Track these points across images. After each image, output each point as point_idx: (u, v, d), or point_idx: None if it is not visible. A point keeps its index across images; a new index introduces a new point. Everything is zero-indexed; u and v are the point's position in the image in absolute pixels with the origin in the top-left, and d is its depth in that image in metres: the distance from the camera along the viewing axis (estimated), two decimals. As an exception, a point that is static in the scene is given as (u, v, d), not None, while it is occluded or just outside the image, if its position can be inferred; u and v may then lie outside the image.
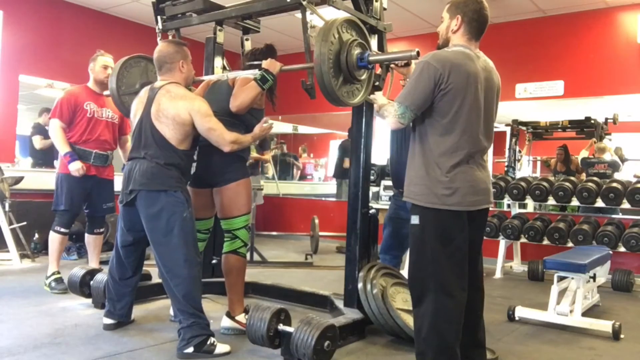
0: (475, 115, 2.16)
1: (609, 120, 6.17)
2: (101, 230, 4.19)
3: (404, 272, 3.56)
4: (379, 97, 2.51)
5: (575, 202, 5.05)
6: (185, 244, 2.69)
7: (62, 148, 3.86)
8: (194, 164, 2.96)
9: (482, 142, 2.21)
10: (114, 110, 4.08)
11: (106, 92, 3.74)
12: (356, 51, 2.57)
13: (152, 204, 2.70)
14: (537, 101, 6.14)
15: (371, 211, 3.22)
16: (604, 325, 3.33)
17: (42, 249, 5.25)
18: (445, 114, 2.13)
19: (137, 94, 3.06)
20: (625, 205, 4.80)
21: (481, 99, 2.17)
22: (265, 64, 2.88)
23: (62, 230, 3.94)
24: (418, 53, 2.51)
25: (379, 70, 3.11)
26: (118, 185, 3.49)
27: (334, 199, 8.02)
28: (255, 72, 2.88)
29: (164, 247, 2.71)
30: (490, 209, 2.40)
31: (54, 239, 3.94)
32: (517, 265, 5.68)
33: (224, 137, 2.74)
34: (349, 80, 2.61)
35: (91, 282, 3.44)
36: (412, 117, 2.17)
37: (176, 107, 2.71)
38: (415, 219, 2.18)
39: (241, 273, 3.07)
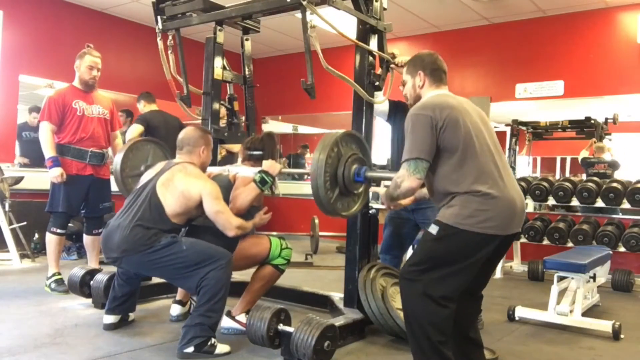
0: (480, 136, 2.13)
1: (609, 120, 6.17)
2: (100, 230, 4.14)
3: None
4: (380, 190, 2.47)
5: (575, 202, 5.05)
6: (203, 262, 2.64)
7: (48, 152, 3.82)
8: None
9: (495, 157, 2.15)
10: (104, 105, 4.07)
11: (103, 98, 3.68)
12: (354, 166, 2.51)
13: (144, 264, 2.69)
14: (537, 101, 6.15)
15: (371, 211, 3.22)
16: (604, 325, 3.33)
17: (42, 249, 5.24)
18: (455, 147, 2.08)
19: (139, 176, 3.04)
20: (625, 205, 4.80)
21: (477, 120, 2.18)
22: (265, 165, 2.93)
23: (59, 231, 3.92)
24: None
25: (379, 71, 3.10)
26: (114, 185, 3.50)
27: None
28: (255, 171, 2.92)
29: (188, 279, 2.67)
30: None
31: (51, 241, 3.92)
32: (517, 265, 5.68)
33: (230, 222, 2.74)
34: (345, 193, 2.55)
35: (91, 282, 3.44)
36: (426, 167, 2.08)
37: (188, 183, 2.74)
38: (434, 229, 2.10)
39: (269, 284, 3.10)
